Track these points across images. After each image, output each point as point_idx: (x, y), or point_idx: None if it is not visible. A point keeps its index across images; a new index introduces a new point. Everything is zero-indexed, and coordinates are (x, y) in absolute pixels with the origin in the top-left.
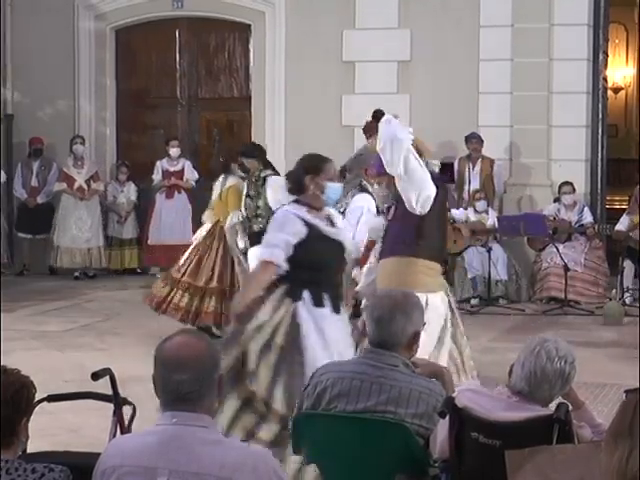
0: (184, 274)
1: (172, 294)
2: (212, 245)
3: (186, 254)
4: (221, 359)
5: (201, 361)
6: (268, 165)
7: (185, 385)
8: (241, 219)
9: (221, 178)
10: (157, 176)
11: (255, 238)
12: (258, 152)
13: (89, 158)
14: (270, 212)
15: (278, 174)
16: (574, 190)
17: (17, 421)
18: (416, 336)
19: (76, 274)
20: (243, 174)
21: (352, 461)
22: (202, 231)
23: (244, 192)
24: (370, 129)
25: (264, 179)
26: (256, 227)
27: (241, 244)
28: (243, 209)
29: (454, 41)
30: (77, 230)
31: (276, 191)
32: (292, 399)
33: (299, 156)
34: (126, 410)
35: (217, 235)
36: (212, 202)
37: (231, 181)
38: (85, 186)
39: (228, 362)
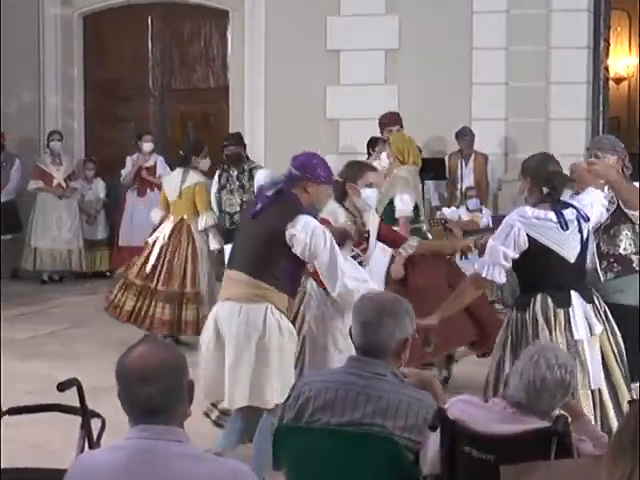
0: (157, 282)
1: (150, 307)
2: (180, 245)
3: (151, 258)
4: (186, 363)
5: (167, 370)
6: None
7: (153, 399)
8: (216, 221)
9: (177, 173)
10: (126, 171)
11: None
12: (242, 141)
13: (65, 154)
14: None
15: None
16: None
17: None
18: (405, 343)
19: (44, 277)
20: (224, 166)
21: (337, 477)
22: (164, 231)
23: (215, 187)
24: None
25: (251, 172)
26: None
27: (214, 245)
28: (216, 206)
29: (445, 28)
30: (57, 231)
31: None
32: None
33: (280, 151)
34: (94, 423)
35: (184, 234)
36: (164, 200)
37: (194, 178)
38: (64, 184)
39: None
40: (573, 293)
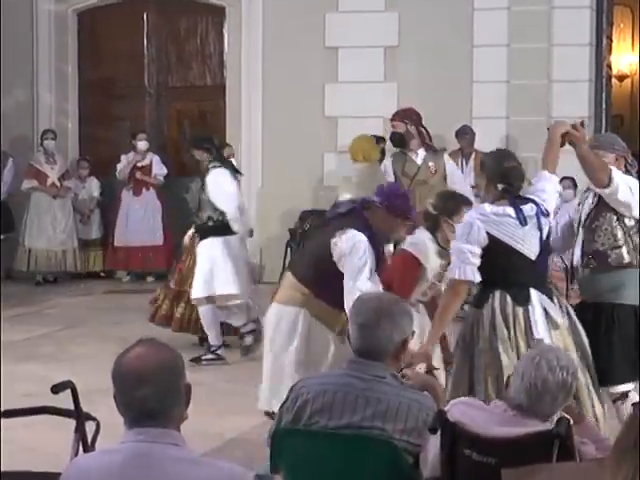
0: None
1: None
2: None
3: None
4: (184, 365)
5: (163, 372)
6: (222, 160)
7: (149, 401)
8: None
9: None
10: (121, 166)
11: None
12: (208, 144)
13: (59, 153)
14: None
15: (238, 171)
16: (575, 186)
17: None
18: (404, 345)
19: (38, 279)
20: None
21: None
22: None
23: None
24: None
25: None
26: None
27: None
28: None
29: (446, 25)
30: (52, 231)
31: (217, 183)
32: None
33: (278, 149)
34: (89, 426)
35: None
36: None
37: None
38: (58, 183)
39: None
40: (532, 291)
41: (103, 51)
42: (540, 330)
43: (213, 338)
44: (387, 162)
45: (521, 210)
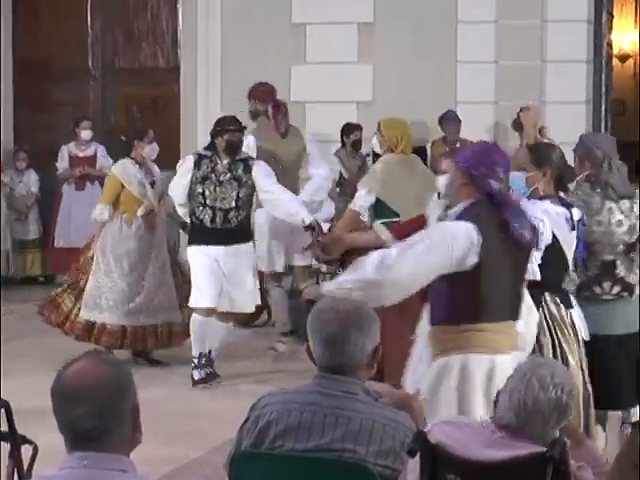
0: None
1: None
2: None
3: None
4: (132, 384)
5: (101, 390)
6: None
7: (83, 421)
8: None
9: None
10: (62, 163)
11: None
12: None
13: None
14: (249, 205)
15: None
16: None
17: None
18: (376, 352)
19: None
20: (204, 154)
21: None
22: None
23: (189, 177)
24: None
25: (246, 162)
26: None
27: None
28: (187, 198)
29: None
30: None
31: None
32: None
33: None
34: (25, 450)
35: None
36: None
37: None
38: None
39: None
40: (570, 295)
41: (41, 29)
42: (585, 333)
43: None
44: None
45: (571, 213)
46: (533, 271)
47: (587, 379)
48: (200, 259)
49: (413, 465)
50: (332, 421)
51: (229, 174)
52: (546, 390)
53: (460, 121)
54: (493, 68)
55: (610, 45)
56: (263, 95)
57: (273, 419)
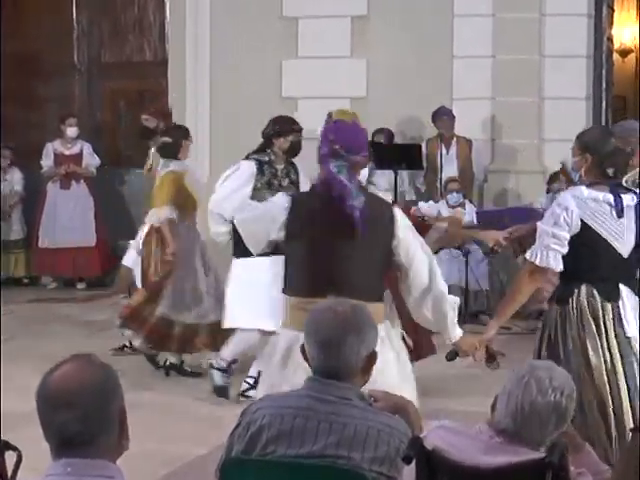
0: None
1: None
2: None
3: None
4: (119, 388)
5: (87, 395)
6: None
7: (69, 426)
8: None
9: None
10: (47, 161)
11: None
12: None
13: None
14: None
15: None
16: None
17: None
18: (372, 358)
19: None
20: (263, 157)
21: None
22: None
23: (253, 183)
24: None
25: (295, 166)
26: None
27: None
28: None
29: None
30: None
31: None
32: None
33: (228, 135)
34: (9, 457)
35: None
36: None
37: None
38: None
39: None
40: (622, 286)
41: (25, 23)
42: (632, 328)
43: None
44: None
45: (620, 199)
46: (546, 260)
47: (622, 383)
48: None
49: (409, 472)
50: (326, 427)
51: (287, 179)
52: (544, 394)
53: (454, 117)
54: (490, 63)
55: (611, 39)
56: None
57: (265, 424)
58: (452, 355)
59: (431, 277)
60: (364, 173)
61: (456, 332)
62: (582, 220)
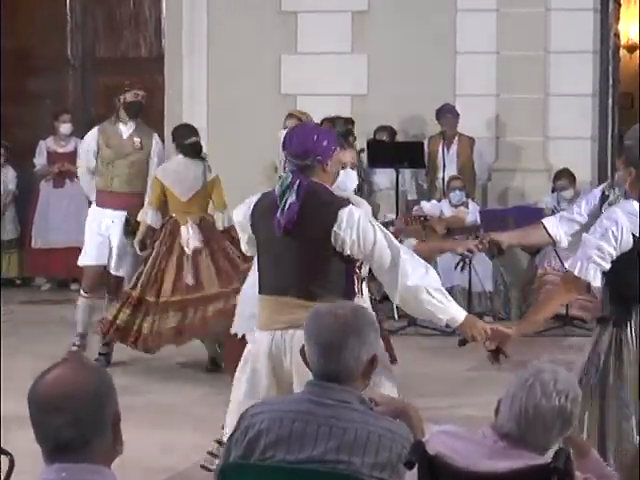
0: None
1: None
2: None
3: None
4: (113, 391)
5: (80, 399)
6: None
7: (63, 430)
8: None
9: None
10: (40, 159)
11: None
12: None
13: None
14: None
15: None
16: (574, 180)
17: None
18: (373, 361)
19: None
20: None
21: None
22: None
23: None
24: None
25: None
26: None
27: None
28: None
29: None
30: None
31: None
32: None
33: (225, 133)
34: (2, 461)
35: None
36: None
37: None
38: None
39: None
40: None
41: (17, 17)
42: None
43: None
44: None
45: None
46: (585, 272)
47: None
48: None
49: (411, 477)
50: (326, 431)
51: None
52: (549, 397)
53: (458, 115)
54: (494, 59)
55: (617, 35)
56: None
57: (263, 428)
58: (462, 342)
59: (400, 273)
60: (344, 177)
61: (453, 318)
62: (634, 235)
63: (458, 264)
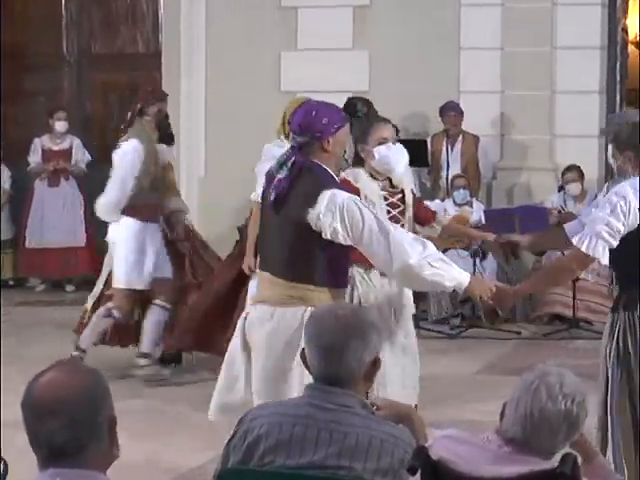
0: None
1: None
2: None
3: None
4: (109, 395)
5: (75, 402)
6: None
7: (57, 435)
8: None
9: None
10: (34, 158)
11: None
12: None
13: None
14: None
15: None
16: (582, 176)
17: None
18: (375, 364)
19: None
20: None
21: None
22: None
23: None
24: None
25: None
26: None
27: None
28: None
29: None
30: None
31: None
32: None
33: (223, 131)
34: None
35: None
36: None
37: None
38: None
39: None
40: None
41: (11, 13)
42: None
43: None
44: None
45: None
46: (594, 248)
47: None
48: None
49: None
50: (326, 436)
51: None
52: (555, 400)
53: (462, 112)
54: (499, 55)
55: (625, 30)
56: None
57: (263, 433)
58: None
59: (398, 252)
60: (386, 151)
61: (460, 283)
62: None
63: (476, 253)
